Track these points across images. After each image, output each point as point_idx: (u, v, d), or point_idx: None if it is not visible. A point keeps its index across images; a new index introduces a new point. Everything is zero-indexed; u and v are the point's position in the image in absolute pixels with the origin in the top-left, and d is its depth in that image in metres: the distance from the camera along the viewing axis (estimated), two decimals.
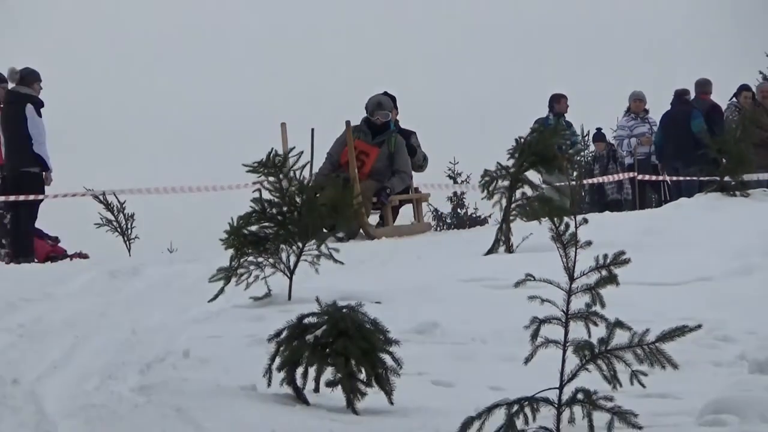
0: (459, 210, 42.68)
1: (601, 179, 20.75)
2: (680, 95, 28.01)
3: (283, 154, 16.12)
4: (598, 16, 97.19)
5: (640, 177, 27.17)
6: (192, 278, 16.99)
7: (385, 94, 21.99)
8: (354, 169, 18.54)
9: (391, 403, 10.66)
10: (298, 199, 16.18)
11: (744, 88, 29.36)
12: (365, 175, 18.35)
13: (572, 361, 9.08)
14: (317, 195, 16.37)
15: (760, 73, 36.39)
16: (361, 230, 18.88)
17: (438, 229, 30.54)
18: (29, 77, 23.55)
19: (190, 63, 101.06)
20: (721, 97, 28.57)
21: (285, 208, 16.11)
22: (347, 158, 18.77)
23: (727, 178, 23.81)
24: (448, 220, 42.77)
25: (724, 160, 24.52)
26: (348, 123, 20.61)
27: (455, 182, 30.57)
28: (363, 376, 10.78)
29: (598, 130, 33.05)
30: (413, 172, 21.01)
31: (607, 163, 31.95)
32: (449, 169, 44.69)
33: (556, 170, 19.50)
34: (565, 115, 29.28)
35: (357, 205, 19.34)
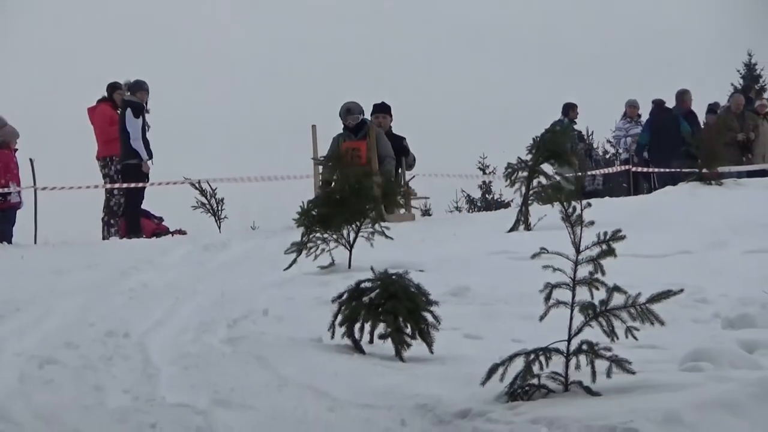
0: (487, 195, 42.84)
1: (596, 172, 20.64)
2: (659, 104, 28.11)
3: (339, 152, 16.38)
4: (599, 42, 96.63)
5: (634, 169, 27.23)
6: (270, 251, 17.08)
7: (382, 103, 21.76)
8: (375, 162, 18.44)
9: (431, 353, 10.90)
10: (356, 186, 16.36)
11: (741, 95, 29.58)
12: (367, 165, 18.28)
13: (578, 318, 9.30)
14: (370, 184, 16.52)
15: (732, 85, 36.33)
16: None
17: (470, 211, 30.32)
18: (134, 87, 23.70)
19: (256, 80, 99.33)
20: (697, 104, 28.71)
21: (345, 194, 16.30)
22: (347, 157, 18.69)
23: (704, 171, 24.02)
24: (478, 204, 42.94)
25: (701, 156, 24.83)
26: (313, 127, 20.60)
27: (484, 173, 30.46)
28: (408, 330, 11.03)
29: (579, 132, 32.79)
30: (407, 171, 20.97)
31: (588, 153, 32.27)
32: (479, 162, 44.88)
33: (565, 164, 19.58)
34: (576, 120, 29.50)
35: (403, 192, 19.63)
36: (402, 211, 19.38)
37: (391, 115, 21.82)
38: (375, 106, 21.20)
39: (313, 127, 20.55)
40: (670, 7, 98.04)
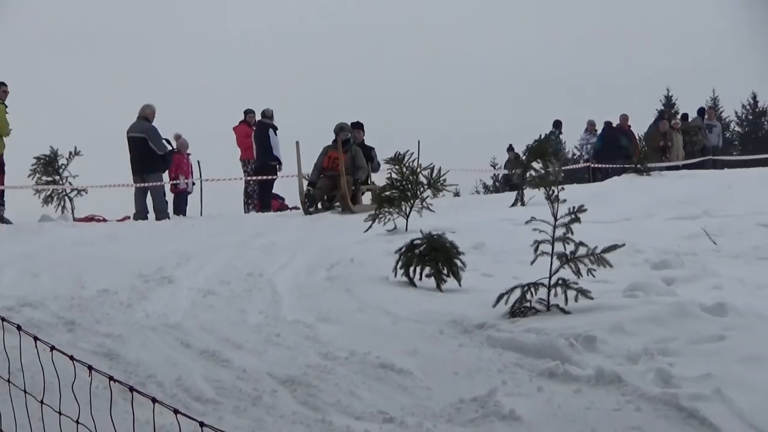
0: (496, 183, 42.81)
1: (558, 167, 20.70)
2: (608, 124, 28.29)
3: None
4: (569, 75, 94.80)
5: (592, 165, 27.31)
6: (355, 219, 17.18)
7: (357, 122, 21.10)
8: (343, 167, 18.31)
9: (460, 286, 10.98)
10: (411, 178, 16.49)
11: (661, 117, 29.79)
12: (340, 171, 18.18)
13: (556, 263, 9.41)
14: (418, 177, 16.64)
15: (656, 110, 36.58)
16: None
17: (485, 193, 30.35)
18: (266, 112, 23.77)
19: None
20: (634, 122, 28.95)
21: (405, 183, 16.42)
22: (328, 163, 18.42)
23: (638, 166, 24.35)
24: (490, 189, 43.17)
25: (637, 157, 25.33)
26: (297, 143, 20.17)
27: (494, 168, 30.48)
28: (445, 271, 11.15)
29: (510, 145, 32.66)
30: (372, 173, 20.54)
31: (514, 163, 32.10)
32: (491, 161, 45.00)
33: (548, 162, 19.58)
34: (562, 131, 29.67)
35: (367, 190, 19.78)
36: (366, 203, 19.18)
37: (363, 131, 21.12)
38: (352, 123, 20.75)
39: (297, 143, 20.41)
40: (615, 56, 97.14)
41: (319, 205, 19.53)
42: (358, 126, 20.70)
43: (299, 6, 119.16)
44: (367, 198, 19.80)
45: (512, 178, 30.82)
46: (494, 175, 31.94)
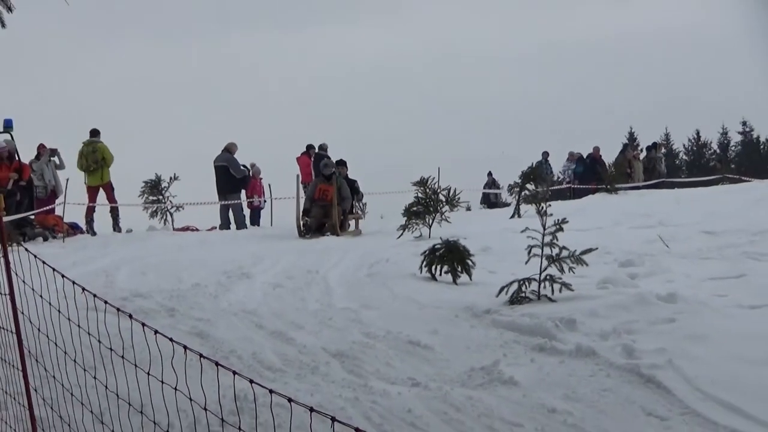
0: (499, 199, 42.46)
1: (546, 188, 20.53)
2: (584, 156, 28.09)
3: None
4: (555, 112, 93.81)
5: (573, 186, 27.11)
6: (390, 228, 17.10)
7: (341, 160, 20.21)
8: (335, 199, 17.62)
9: (471, 280, 10.93)
10: (433, 197, 16.43)
11: (625, 148, 29.61)
12: (331, 202, 17.52)
13: (545, 263, 9.39)
14: (438, 196, 16.58)
15: (622, 143, 36.45)
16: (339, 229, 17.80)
17: (489, 208, 30.20)
18: (323, 146, 23.66)
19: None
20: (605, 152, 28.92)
21: (428, 200, 16.39)
22: (319, 194, 17.49)
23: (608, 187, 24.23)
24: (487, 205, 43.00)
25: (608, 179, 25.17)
26: (298, 176, 20.22)
27: (498, 188, 30.43)
28: (459, 269, 11.10)
29: (489, 171, 33.06)
30: (357, 203, 20.24)
31: (491, 186, 32.07)
32: (494, 182, 44.98)
33: (539, 184, 19.49)
34: (549, 160, 29.34)
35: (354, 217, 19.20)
36: (352, 229, 18.64)
37: (347, 167, 20.32)
38: (337, 161, 19.82)
39: (298, 176, 20.23)
40: (592, 100, 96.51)
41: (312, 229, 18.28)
42: (341, 163, 19.98)
43: (344, 58, 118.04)
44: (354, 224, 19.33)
45: (489, 197, 31.05)
46: (496, 194, 31.80)
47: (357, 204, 20.39)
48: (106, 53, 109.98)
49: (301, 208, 18.20)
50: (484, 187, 31.68)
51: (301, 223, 17.56)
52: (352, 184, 19.72)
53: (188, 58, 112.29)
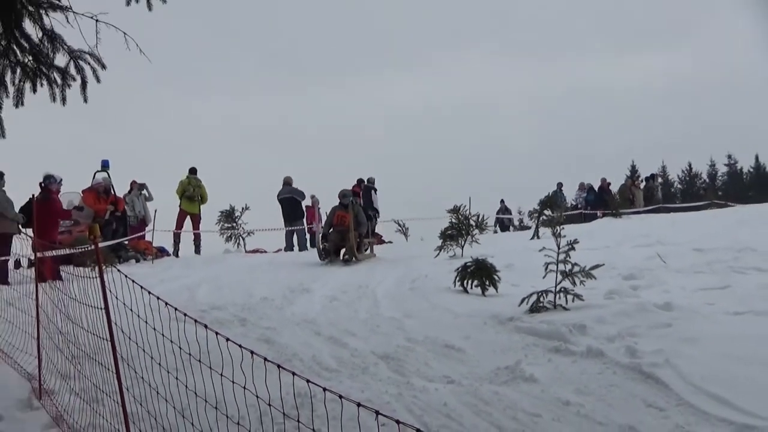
0: (521, 223, 41.63)
1: (560, 214, 20.17)
2: (593, 186, 27.82)
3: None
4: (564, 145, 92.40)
5: (584, 211, 26.81)
6: (428, 248, 16.87)
7: (353, 190, 19.22)
8: (352, 225, 16.87)
9: (497, 292, 10.80)
10: (464, 222, 16.30)
11: (628, 179, 29.31)
12: (348, 227, 16.96)
13: (559, 277, 9.30)
14: (469, 221, 16.48)
15: (625, 174, 36.01)
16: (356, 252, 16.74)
17: (513, 231, 29.67)
18: (370, 179, 23.60)
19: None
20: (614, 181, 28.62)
21: (460, 225, 16.28)
22: (337, 221, 16.83)
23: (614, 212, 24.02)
24: (518, 227, 42.22)
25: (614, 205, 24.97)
26: (315, 201, 20.44)
27: (520, 214, 29.93)
28: (487, 283, 11.01)
29: (502, 199, 32.56)
30: (371, 224, 19.01)
31: (504, 212, 31.85)
32: (518, 210, 44.60)
33: (555, 210, 19.32)
34: (563, 188, 28.99)
35: (369, 242, 18.22)
36: (368, 252, 17.84)
37: (360, 196, 20.01)
38: (353, 191, 18.48)
39: (314, 197, 20.22)
40: (600, 136, 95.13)
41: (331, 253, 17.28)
42: (357, 194, 19.69)
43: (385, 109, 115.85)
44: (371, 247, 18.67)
45: (504, 222, 30.86)
46: (520, 220, 31.31)
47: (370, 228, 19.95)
48: (196, 104, 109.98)
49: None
50: (497, 213, 31.43)
51: (320, 247, 17.07)
52: (367, 212, 19.27)
53: (262, 108, 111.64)
